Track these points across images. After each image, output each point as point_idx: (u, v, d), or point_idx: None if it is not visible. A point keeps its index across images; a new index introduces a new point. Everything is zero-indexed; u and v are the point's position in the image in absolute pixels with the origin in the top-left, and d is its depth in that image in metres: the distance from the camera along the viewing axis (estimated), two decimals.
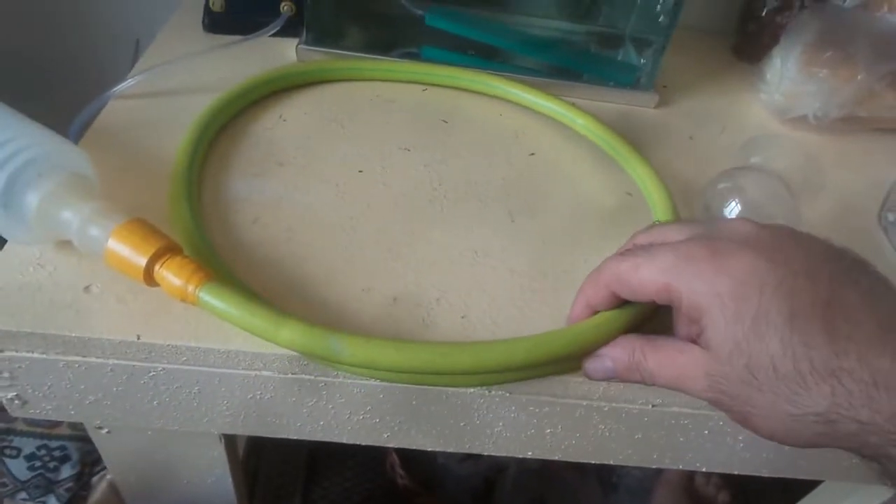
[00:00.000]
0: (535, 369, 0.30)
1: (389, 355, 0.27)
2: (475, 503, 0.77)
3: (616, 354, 0.29)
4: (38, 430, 0.62)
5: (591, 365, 0.30)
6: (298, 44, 0.50)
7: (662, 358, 0.27)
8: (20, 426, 0.62)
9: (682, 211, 0.39)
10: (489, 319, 0.33)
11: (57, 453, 0.61)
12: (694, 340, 0.26)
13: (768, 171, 0.39)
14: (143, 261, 0.28)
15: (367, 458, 0.89)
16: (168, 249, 0.28)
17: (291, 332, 0.27)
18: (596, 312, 0.30)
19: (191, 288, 0.27)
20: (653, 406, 0.33)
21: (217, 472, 0.42)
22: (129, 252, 0.28)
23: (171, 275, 0.28)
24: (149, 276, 0.28)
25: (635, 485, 0.78)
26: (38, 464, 0.60)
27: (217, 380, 0.31)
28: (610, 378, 0.29)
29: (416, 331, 0.32)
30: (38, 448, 0.61)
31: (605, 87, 0.53)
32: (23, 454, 0.60)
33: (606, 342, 0.29)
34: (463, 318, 0.33)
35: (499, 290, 0.34)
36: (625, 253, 0.28)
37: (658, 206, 0.38)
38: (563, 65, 0.55)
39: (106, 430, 0.39)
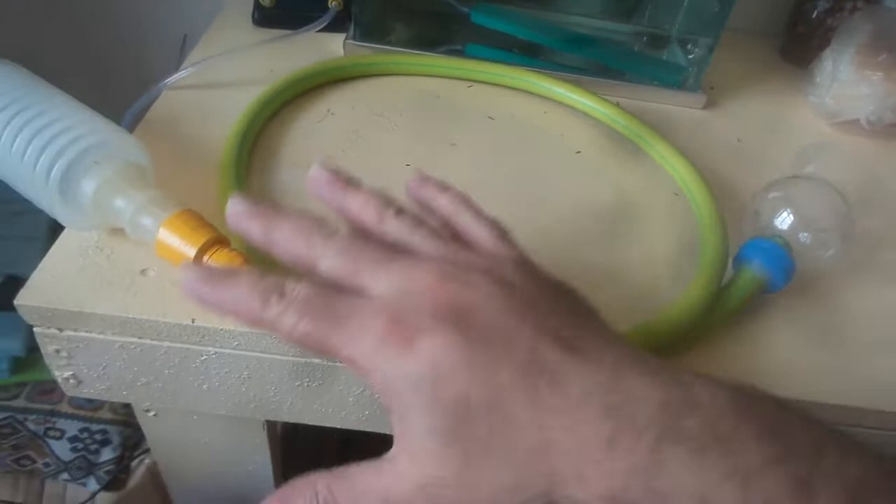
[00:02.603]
0: None
1: None
2: None
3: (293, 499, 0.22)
4: (82, 412, 0.63)
5: None
6: (346, 39, 0.51)
7: (357, 491, 0.22)
8: (64, 408, 0.63)
9: (727, 214, 0.39)
10: None
11: (98, 436, 0.62)
12: None
13: (822, 181, 0.38)
14: (191, 252, 0.28)
15: None
16: (216, 241, 0.29)
17: None
18: None
19: None
20: None
21: (258, 459, 0.43)
22: (179, 243, 0.29)
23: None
24: None
25: None
26: (80, 446, 0.61)
27: (267, 365, 0.32)
28: None
29: None
30: (81, 431, 0.62)
31: (651, 87, 0.53)
32: (66, 436, 0.61)
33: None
34: None
35: None
36: (303, 308, 0.22)
37: (702, 208, 0.37)
38: (609, 64, 0.55)
39: (153, 413, 0.40)
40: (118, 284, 0.31)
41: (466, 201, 0.28)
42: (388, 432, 0.35)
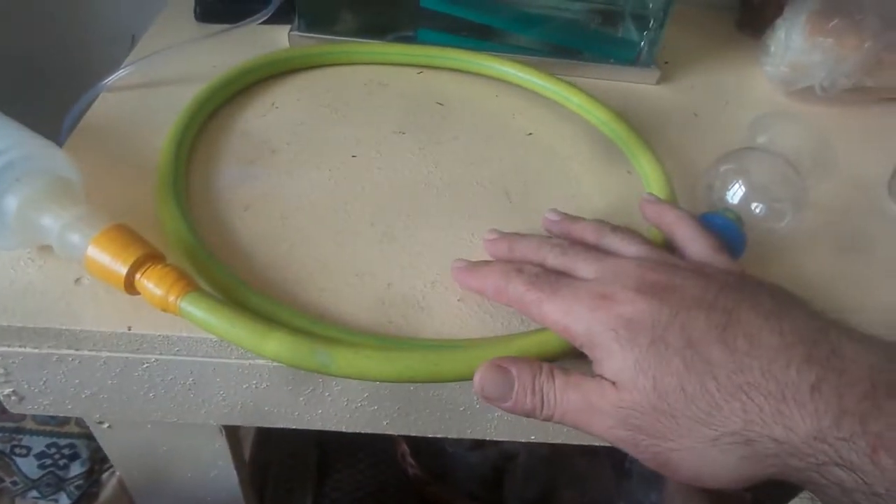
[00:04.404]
0: None
1: (379, 367, 0.26)
2: (485, 491, 0.76)
3: (520, 369, 0.25)
4: (48, 428, 0.62)
5: (488, 376, 0.25)
6: (290, 30, 0.50)
7: (571, 383, 0.25)
8: (29, 425, 0.62)
9: (683, 190, 0.39)
10: (486, 302, 0.32)
11: (66, 451, 0.61)
12: None
13: (774, 152, 0.37)
14: (123, 270, 0.27)
15: (377, 449, 0.89)
16: (149, 258, 0.28)
17: (277, 345, 0.26)
18: None
19: (172, 298, 0.26)
20: None
21: (220, 464, 0.42)
22: (109, 261, 0.27)
23: (151, 284, 0.27)
24: (129, 286, 0.27)
25: (648, 471, 0.78)
26: (48, 462, 0.60)
27: (212, 370, 0.31)
28: (501, 398, 0.25)
29: (411, 315, 0.31)
30: (48, 446, 0.61)
31: (606, 65, 0.52)
32: (32, 453, 0.60)
33: None
34: (459, 301, 0.32)
35: None
36: (533, 282, 0.27)
37: (654, 185, 0.37)
38: (562, 43, 0.54)
39: (107, 424, 0.39)
40: (51, 295, 0.30)
41: (687, 218, 0.32)
42: (344, 430, 0.34)
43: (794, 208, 0.36)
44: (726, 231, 0.33)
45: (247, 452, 0.72)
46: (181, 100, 0.40)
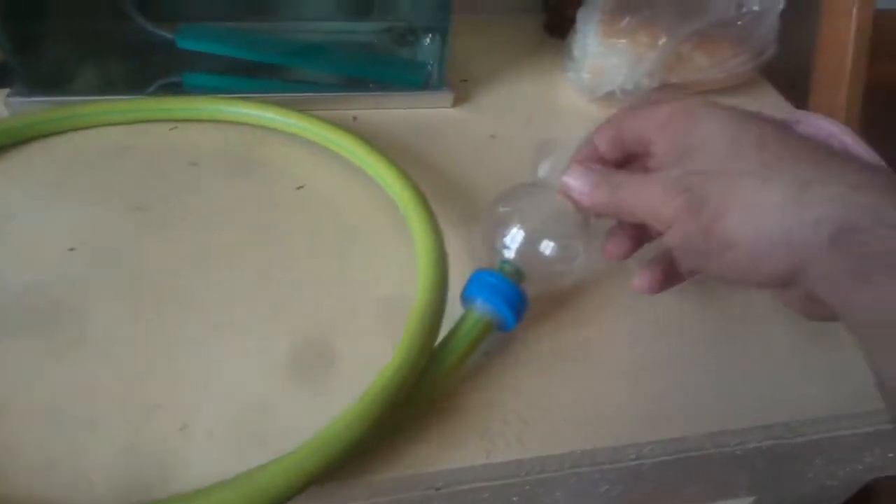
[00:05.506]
0: None
1: None
2: None
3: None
4: None
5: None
6: (8, 95, 0.41)
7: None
8: None
9: (473, 232, 0.34)
10: (219, 423, 0.26)
11: None
12: None
13: (552, 186, 0.33)
14: None
15: None
16: None
17: None
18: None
19: None
20: (437, 489, 0.27)
21: None
22: None
23: None
24: None
25: None
26: None
27: None
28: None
29: (111, 464, 0.24)
30: None
31: (396, 93, 0.47)
32: None
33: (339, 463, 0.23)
34: (182, 429, 0.26)
35: (236, 377, 0.28)
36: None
37: (417, 241, 0.31)
38: (346, 72, 0.49)
39: None
40: None
41: None
42: None
43: (583, 243, 0.32)
44: (501, 291, 0.29)
45: None
46: None
